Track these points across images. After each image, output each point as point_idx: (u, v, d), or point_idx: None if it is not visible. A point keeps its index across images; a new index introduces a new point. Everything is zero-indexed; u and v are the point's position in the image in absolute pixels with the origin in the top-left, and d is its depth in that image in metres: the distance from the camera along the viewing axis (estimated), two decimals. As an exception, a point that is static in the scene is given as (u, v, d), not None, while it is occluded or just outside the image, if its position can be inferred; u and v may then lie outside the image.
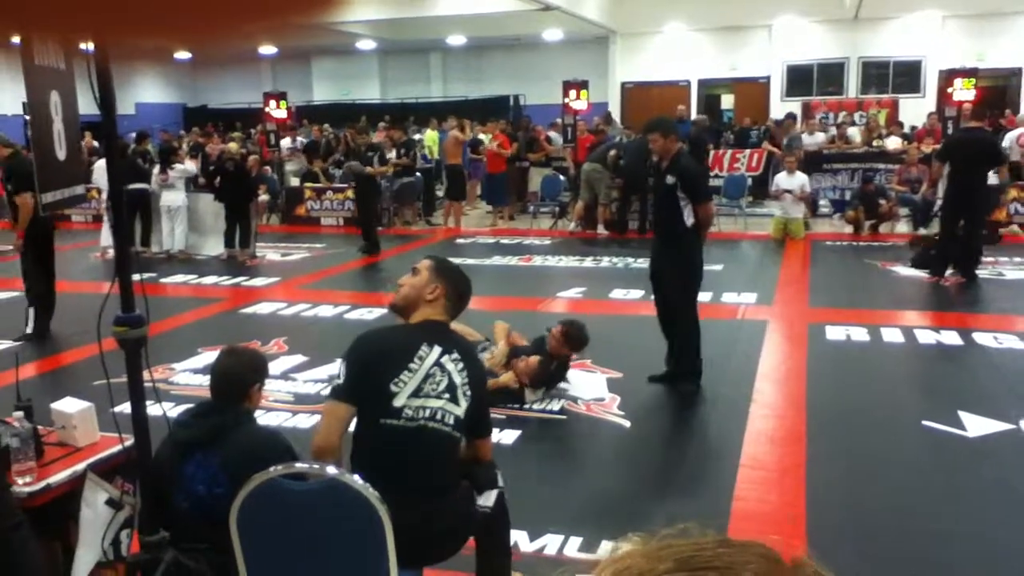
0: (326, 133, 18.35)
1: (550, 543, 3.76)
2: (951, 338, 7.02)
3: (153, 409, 2.84)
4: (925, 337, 7.08)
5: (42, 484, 2.76)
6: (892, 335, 7.11)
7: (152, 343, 2.84)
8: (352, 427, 2.81)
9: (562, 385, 5.88)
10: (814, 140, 15.10)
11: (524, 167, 15.17)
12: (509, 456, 4.53)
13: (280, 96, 16.29)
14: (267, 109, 16.10)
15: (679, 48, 22.82)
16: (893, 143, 14.98)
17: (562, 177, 14.60)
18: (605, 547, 3.57)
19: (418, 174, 14.79)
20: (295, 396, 5.84)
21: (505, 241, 12.64)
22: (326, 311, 8.42)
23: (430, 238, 13.32)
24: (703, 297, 8.27)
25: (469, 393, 2.82)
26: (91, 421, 3.10)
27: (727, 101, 23.52)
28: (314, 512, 2.47)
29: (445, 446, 2.80)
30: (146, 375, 2.77)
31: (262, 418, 4.82)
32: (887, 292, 8.96)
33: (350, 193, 13.75)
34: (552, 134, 16.43)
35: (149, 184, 11.87)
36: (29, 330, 7.39)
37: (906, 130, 16.96)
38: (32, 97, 2.94)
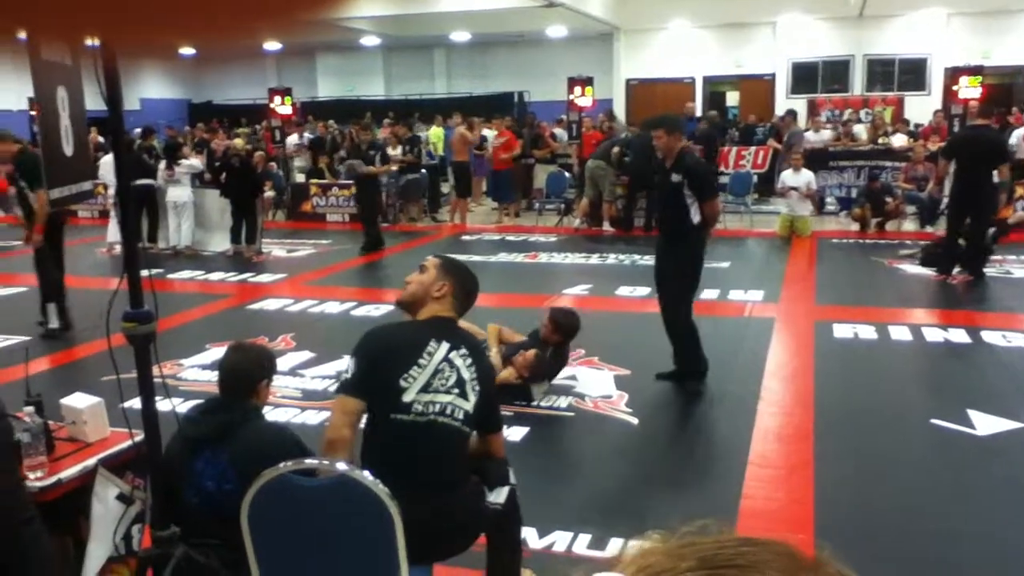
0: (331, 129, 18.36)
1: (559, 540, 3.76)
2: (959, 336, 7.00)
3: (162, 405, 2.85)
4: (933, 335, 7.07)
5: (53, 479, 2.76)
6: (900, 333, 7.09)
7: (160, 339, 2.84)
8: (362, 423, 2.81)
9: (569, 382, 5.88)
10: (820, 138, 15.07)
11: (529, 164, 15.16)
12: (517, 453, 4.52)
13: (285, 92, 16.29)
14: (272, 105, 16.10)
15: (684, 45, 22.79)
16: (899, 141, 14.96)
17: (567, 174, 14.59)
18: (614, 544, 3.59)
19: (423, 171, 14.80)
20: (303, 392, 5.84)
21: (511, 238, 12.63)
22: (333, 307, 8.43)
23: (436, 235, 13.32)
24: (710, 295, 8.33)
25: (478, 388, 2.82)
26: (101, 416, 3.10)
27: (732, 98, 23.50)
28: (324, 508, 2.47)
29: (455, 441, 2.81)
30: (155, 371, 2.77)
31: (270, 414, 4.83)
32: (894, 290, 8.95)
33: (355, 190, 13.76)
34: (557, 131, 16.42)
35: (155, 180, 11.90)
36: (55, 324, 7.40)
37: (911, 127, 16.93)
38: (39, 93, 2.94)
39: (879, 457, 4.74)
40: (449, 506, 2.77)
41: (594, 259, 10.94)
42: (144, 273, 2.72)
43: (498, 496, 2.93)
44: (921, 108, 19.41)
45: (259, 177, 12.38)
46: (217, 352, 5.92)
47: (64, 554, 2.85)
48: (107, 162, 10.77)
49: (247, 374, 2.92)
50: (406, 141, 15.40)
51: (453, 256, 3.20)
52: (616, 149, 12.82)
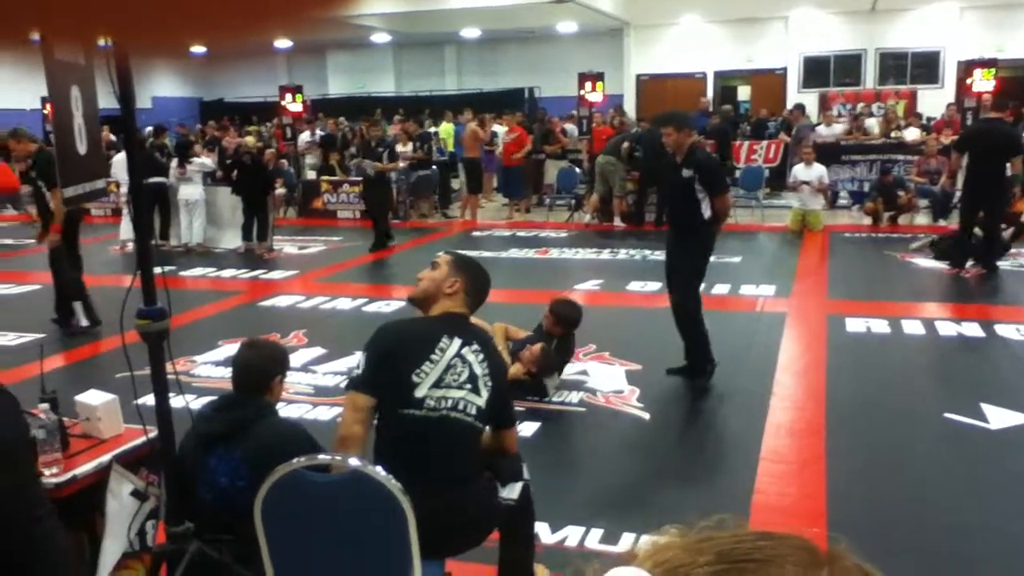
0: (341, 126, 18.39)
1: (571, 535, 3.77)
2: (972, 330, 6.97)
3: (176, 401, 2.87)
4: (946, 329, 7.03)
5: (68, 475, 2.78)
6: (912, 327, 7.06)
7: (173, 336, 2.86)
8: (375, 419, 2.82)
9: (581, 377, 5.89)
10: (832, 132, 15.00)
11: (540, 160, 15.15)
12: (529, 448, 4.52)
13: (296, 90, 16.34)
14: (283, 103, 16.15)
15: (695, 40, 22.72)
16: (911, 134, 14.87)
17: (578, 169, 14.58)
18: (626, 539, 3.59)
19: (434, 167, 14.80)
20: (315, 388, 5.86)
21: (521, 234, 12.63)
22: (344, 304, 8.45)
23: (446, 231, 13.33)
24: (721, 289, 8.32)
25: (490, 384, 2.83)
26: (115, 413, 3.12)
27: (744, 93, 23.41)
28: (337, 503, 2.48)
29: (467, 436, 2.81)
30: (168, 367, 2.79)
31: (282, 410, 4.85)
32: (907, 284, 8.91)
33: (363, 187, 13.79)
34: (568, 126, 16.40)
35: (167, 178, 11.96)
36: (84, 323, 7.44)
37: (924, 121, 16.83)
38: (53, 92, 2.95)
39: (891, 451, 4.72)
40: (461, 501, 2.77)
41: (605, 254, 10.93)
42: (157, 270, 2.74)
43: (511, 492, 2.93)
44: (934, 102, 19.29)
45: (270, 174, 12.42)
46: (230, 349, 5.95)
47: (79, 550, 2.87)
48: (119, 160, 10.82)
49: (261, 370, 2.93)
50: (417, 138, 15.41)
51: (464, 252, 3.20)
52: (626, 144, 12.80)
